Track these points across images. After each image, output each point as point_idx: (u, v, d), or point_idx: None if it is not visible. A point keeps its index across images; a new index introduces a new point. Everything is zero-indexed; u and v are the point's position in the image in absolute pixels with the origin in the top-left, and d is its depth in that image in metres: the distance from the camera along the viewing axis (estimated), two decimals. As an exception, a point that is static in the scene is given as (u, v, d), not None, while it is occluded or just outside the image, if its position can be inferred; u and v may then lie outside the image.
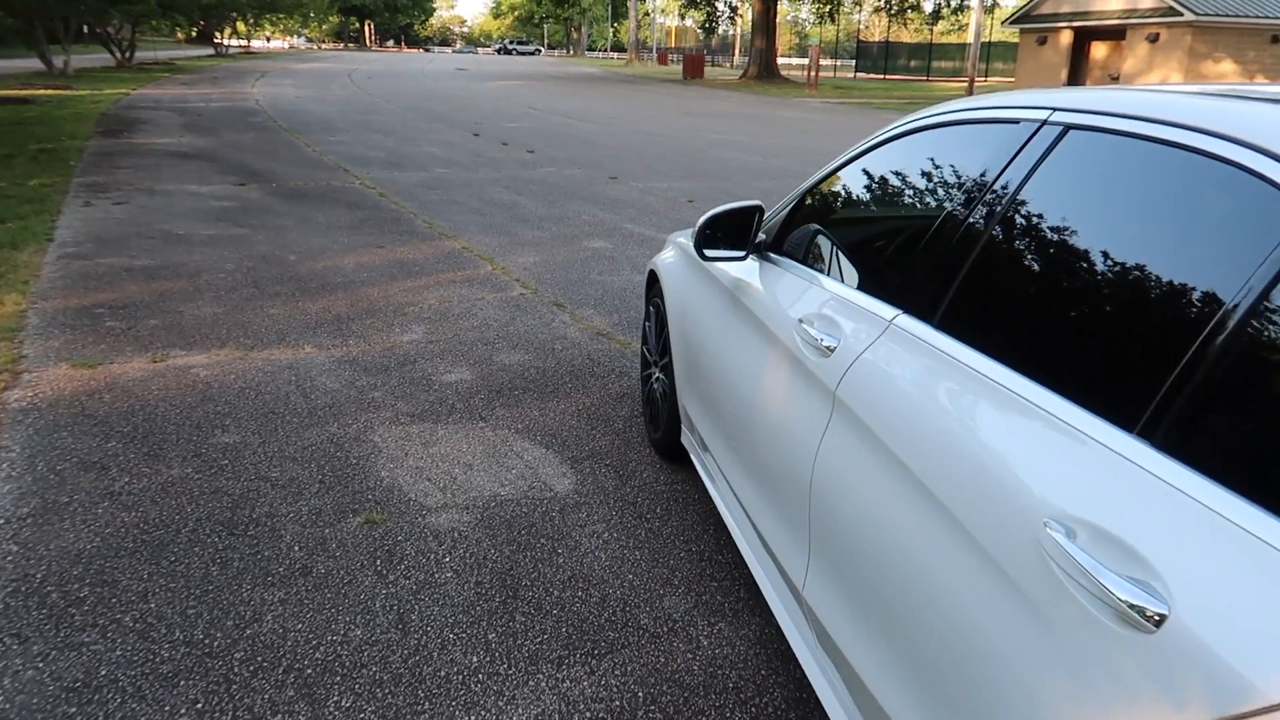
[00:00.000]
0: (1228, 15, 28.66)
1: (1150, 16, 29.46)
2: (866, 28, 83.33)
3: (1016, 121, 1.74)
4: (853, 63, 60.61)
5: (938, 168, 2.02)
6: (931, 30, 54.66)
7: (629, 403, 4.22)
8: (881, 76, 53.02)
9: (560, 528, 3.11)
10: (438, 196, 9.67)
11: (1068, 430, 1.28)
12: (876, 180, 2.28)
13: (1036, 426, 1.33)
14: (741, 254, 2.57)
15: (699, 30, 67.68)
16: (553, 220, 8.60)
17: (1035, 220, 1.57)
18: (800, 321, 2.11)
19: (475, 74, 42.17)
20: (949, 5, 46.02)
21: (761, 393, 2.27)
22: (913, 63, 53.58)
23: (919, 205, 2.06)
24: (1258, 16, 29.01)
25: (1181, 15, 28.30)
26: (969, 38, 66.51)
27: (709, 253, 2.56)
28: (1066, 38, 33.38)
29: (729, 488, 2.60)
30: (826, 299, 2.10)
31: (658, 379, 3.64)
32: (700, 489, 3.41)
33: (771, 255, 2.58)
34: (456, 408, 4.09)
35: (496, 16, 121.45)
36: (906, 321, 1.77)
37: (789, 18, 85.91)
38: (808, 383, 2.00)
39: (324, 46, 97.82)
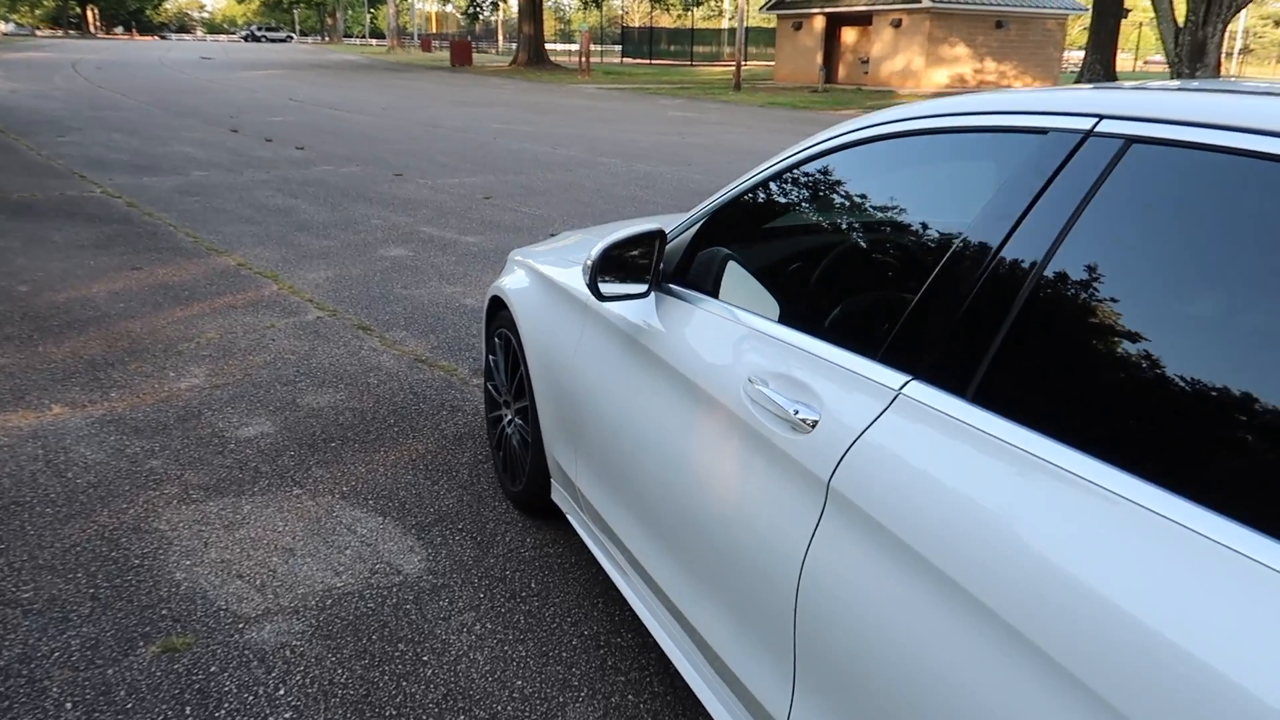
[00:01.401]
0: (959, 3, 31.02)
1: (894, 3, 31.39)
2: (626, 13, 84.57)
3: (1044, 131, 1.38)
4: (617, 48, 61.24)
5: (927, 188, 1.65)
6: (692, 15, 56.01)
7: (471, 445, 3.66)
8: (647, 61, 53.89)
9: (420, 625, 2.54)
10: (199, 204, 8.53)
11: (1264, 574, 0.92)
12: (834, 199, 1.87)
13: (1214, 566, 0.97)
14: (643, 289, 2.11)
15: (460, 16, 66.06)
16: (339, 226, 7.76)
17: (1114, 262, 1.21)
18: (751, 382, 1.69)
19: (224, 63, 38.95)
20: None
21: (696, 470, 1.83)
22: (673, 47, 54.98)
23: (908, 237, 1.67)
24: (983, 4, 31.62)
25: (920, 2, 30.33)
26: (723, 23, 68.89)
27: (606, 291, 2.08)
28: (820, 23, 35.05)
29: (642, 576, 2.14)
30: (783, 352, 1.68)
31: (513, 424, 3.12)
32: (579, 551, 2.93)
33: (675, 289, 2.13)
34: (262, 472, 3.38)
35: (240, 1, 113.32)
36: (923, 391, 1.37)
37: (551, 3, 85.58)
38: (775, 465, 1.57)
39: (40, 33, 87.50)
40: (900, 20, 31.64)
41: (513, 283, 3.03)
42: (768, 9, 37.84)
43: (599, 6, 53.24)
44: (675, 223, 2.72)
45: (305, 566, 2.79)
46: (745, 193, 2.04)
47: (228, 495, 3.20)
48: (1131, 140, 1.24)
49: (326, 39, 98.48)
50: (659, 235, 2.08)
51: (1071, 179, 1.30)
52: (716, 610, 1.75)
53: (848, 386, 1.50)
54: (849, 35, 35.42)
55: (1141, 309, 1.17)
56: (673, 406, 1.94)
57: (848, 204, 1.81)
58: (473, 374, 4.45)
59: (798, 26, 36.07)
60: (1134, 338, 1.17)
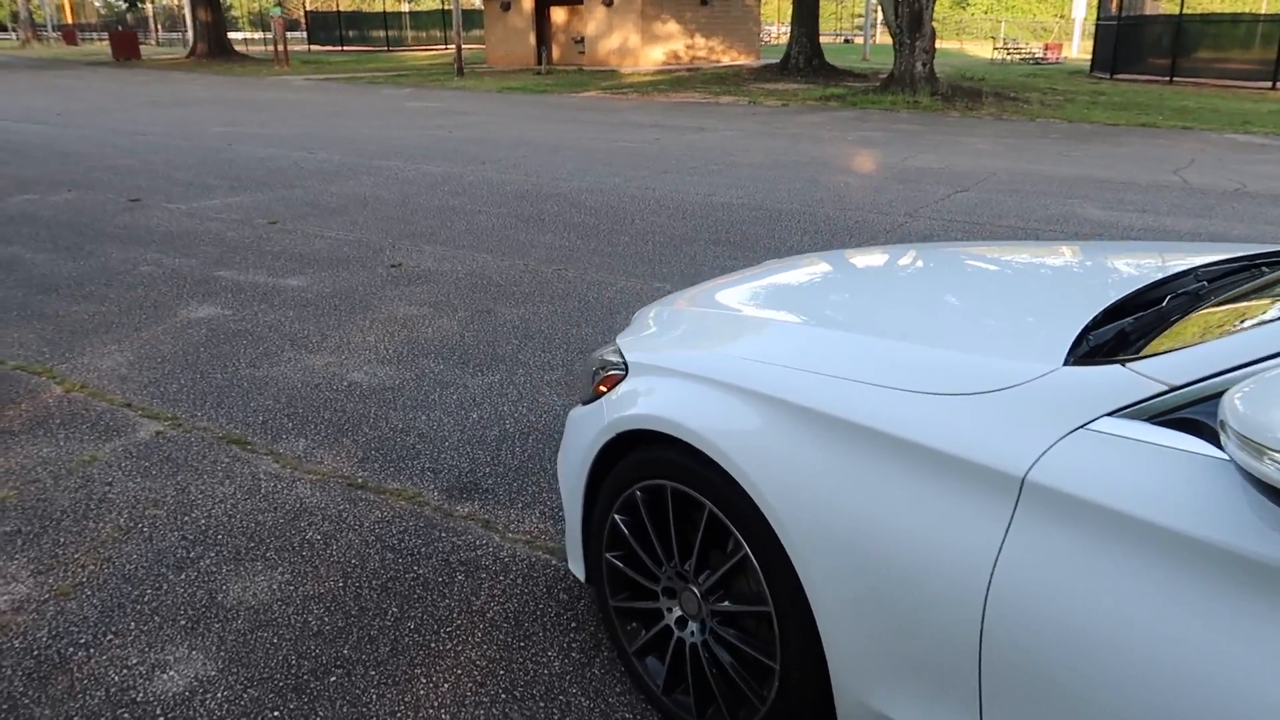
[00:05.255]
0: (668, -20, 31.36)
1: (604, -19, 31.12)
2: (294, -4, 78.92)
3: None
4: (298, 34, 56.75)
5: None
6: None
7: (545, 635, 2.43)
8: (338, 49, 50.40)
9: None
10: None
11: None
12: None
13: None
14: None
15: (100, 4, 58.45)
16: (98, 280, 5.82)
17: None
18: None
19: None
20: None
21: None
22: (352, 33, 51.89)
23: None
24: (689, -19, 32.23)
25: (631, -20, 30.29)
26: (404, 6, 65.53)
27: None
28: (529, 3, 34.11)
29: None
30: None
31: (702, 632, 1.97)
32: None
33: None
34: (251, 772, 1.98)
35: None
36: None
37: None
38: None
39: None
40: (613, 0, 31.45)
41: (705, 416, 1.83)
42: (472, -10, 36.29)
43: (278, -11, 48.70)
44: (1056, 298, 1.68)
45: None
46: None
47: (217, 844, 1.79)
48: None
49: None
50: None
51: None
52: None
53: None
54: (559, 15, 34.77)
55: None
56: None
57: None
58: (448, 498, 3.15)
59: (506, 7, 34.90)
60: None
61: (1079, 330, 1.60)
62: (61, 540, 2.86)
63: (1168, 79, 25.42)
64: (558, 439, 3.58)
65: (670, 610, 2.06)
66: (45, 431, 3.64)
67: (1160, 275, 1.93)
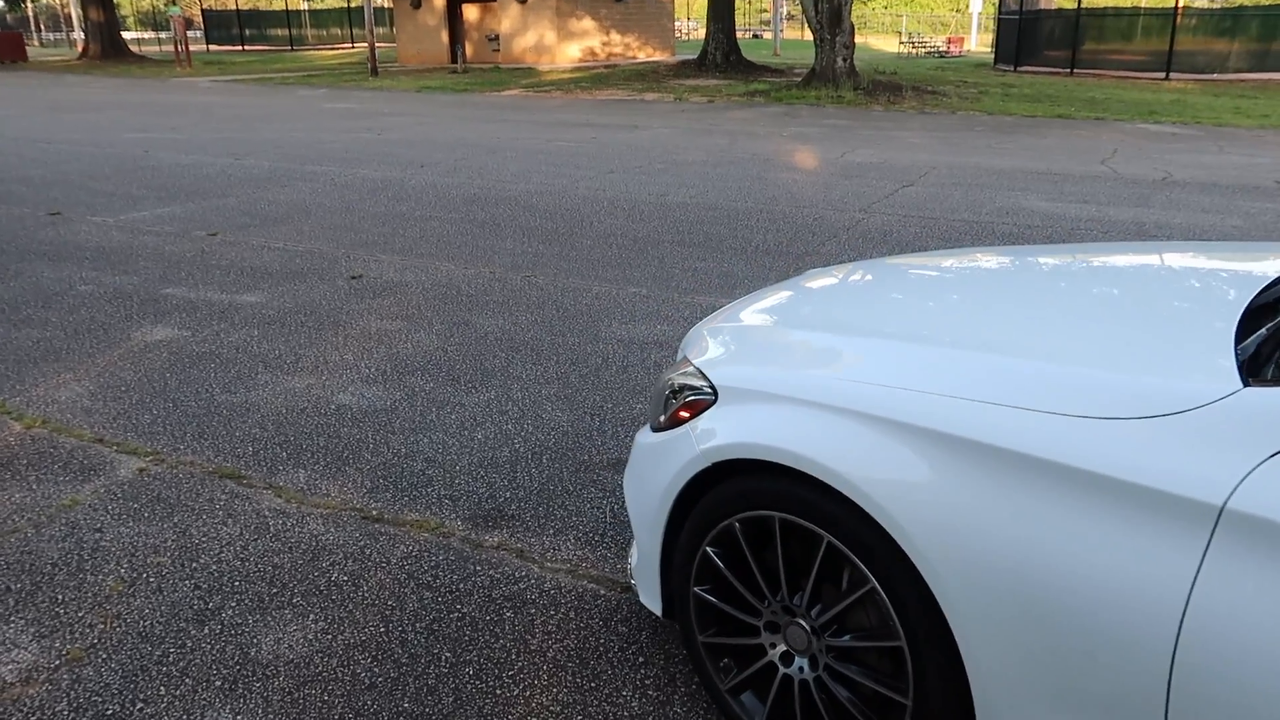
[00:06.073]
0: (583, -24, 31.19)
1: (518, -22, 30.77)
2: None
3: None
4: (195, 34, 54.72)
5: None
6: (285, -3, 51.35)
7: (616, 671, 2.30)
8: (239, 48, 48.85)
9: None
10: None
11: None
12: None
13: None
14: None
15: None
16: (34, 301, 5.43)
17: None
18: None
19: None
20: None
21: None
22: (249, 31, 50.29)
23: None
24: (604, -23, 32.14)
25: (546, -23, 30.02)
26: (303, 5, 63.68)
27: None
28: (441, 0, 33.52)
29: None
30: None
31: (817, 669, 1.87)
32: None
33: None
34: None
35: None
36: None
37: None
38: None
39: None
40: (526, -4, 31.13)
41: (830, 446, 1.71)
42: (381, -13, 35.49)
43: (173, -13, 46.80)
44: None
45: None
46: None
47: None
48: None
49: None
50: None
51: None
52: None
53: None
54: (472, 13, 34.27)
55: None
56: None
57: None
58: (474, 527, 2.99)
59: (417, 5, 34.23)
60: None
61: (1231, 344, 1.56)
62: (59, 597, 2.61)
63: (1068, 70, 26.37)
64: (573, 458, 3.45)
65: (774, 646, 1.96)
66: (13, 474, 3.34)
67: (1258, 284, 1.91)
